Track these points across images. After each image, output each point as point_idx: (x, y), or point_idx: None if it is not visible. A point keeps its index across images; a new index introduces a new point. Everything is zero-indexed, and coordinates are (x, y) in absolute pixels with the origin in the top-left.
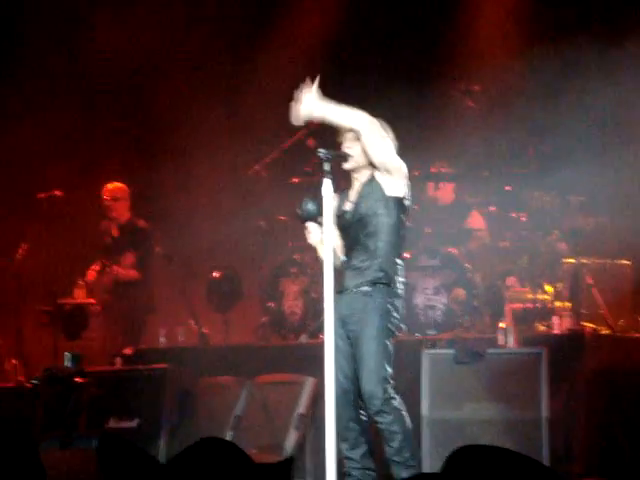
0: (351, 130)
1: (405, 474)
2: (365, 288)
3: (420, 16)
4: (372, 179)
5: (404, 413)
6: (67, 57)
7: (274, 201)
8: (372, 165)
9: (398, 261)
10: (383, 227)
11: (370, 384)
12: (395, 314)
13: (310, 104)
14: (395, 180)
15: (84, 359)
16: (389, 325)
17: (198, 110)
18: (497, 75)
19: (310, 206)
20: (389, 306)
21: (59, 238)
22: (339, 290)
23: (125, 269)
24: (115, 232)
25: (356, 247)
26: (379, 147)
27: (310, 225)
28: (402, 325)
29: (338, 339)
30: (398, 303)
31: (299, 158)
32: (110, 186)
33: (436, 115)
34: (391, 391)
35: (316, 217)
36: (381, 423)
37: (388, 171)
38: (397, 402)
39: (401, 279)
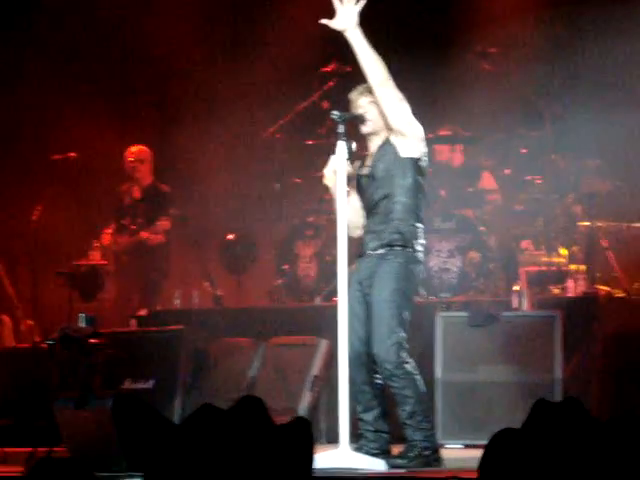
0: (367, 95)
1: (418, 437)
2: (381, 251)
3: None
4: (386, 141)
5: (417, 377)
6: (88, 21)
7: (289, 163)
8: (388, 128)
9: (417, 224)
10: (398, 189)
11: (382, 348)
12: (412, 279)
13: (349, 15)
14: (410, 141)
15: (99, 320)
16: (405, 289)
17: (213, 73)
18: (513, 37)
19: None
20: (406, 270)
21: (74, 200)
22: (359, 254)
23: (154, 235)
24: (137, 194)
25: (373, 210)
26: (394, 106)
27: (331, 159)
28: (421, 290)
29: (354, 302)
30: (416, 267)
31: (314, 120)
32: (134, 148)
33: (452, 78)
34: (405, 355)
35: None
36: (394, 387)
37: (402, 133)
38: (410, 366)
39: (421, 242)
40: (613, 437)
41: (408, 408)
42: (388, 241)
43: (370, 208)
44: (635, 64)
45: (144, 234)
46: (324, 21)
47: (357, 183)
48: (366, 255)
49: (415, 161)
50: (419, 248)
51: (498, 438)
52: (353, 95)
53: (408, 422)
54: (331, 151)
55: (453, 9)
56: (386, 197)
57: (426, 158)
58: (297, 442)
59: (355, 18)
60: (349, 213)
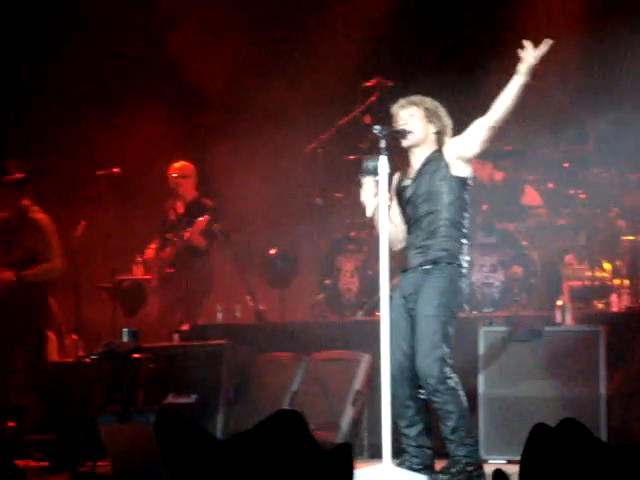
0: (409, 108)
1: (461, 452)
2: (427, 266)
3: None
4: (436, 157)
5: (461, 393)
6: (129, 37)
7: (331, 178)
8: (458, 152)
9: (463, 240)
10: (445, 206)
11: (425, 363)
12: (457, 294)
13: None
14: (465, 163)
15: (142, 335)
16: (450, 305)
17: (254, 89)
18: (556, 51)
19: (371, 164)
20: (451, 285)
21: (117, 216)
22: (403, 269)
23: (196, 235)
24: (181, 209)
25: (417, 225)
26: (484, 142)
27: (366, 180)
28: (465, 305)
29: (398, 317)
30: (462, 282)
31: (356, 135)
32: (177, 164)
33: (494, 93)
34: (448, 370)
35: (374, 174)
36: (436, 402)
37: (467, 160)
38: (453, 382)
39: (466, 258)
40: (615, 458)
41: (451, 423)
42: (434, 257)
43: (414, 223)
44: None
45: (186, 234)
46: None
47: (398, 196)
48: (410, 270)
49: (464, 179)
50: (464, 264)
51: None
52: (394, 108)
53: (451, 437)
54: (360, 171)
55: (494, 22)
56: (432, 213)
57: (472, 176)
58: (339, 469)
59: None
60: (390, 227)
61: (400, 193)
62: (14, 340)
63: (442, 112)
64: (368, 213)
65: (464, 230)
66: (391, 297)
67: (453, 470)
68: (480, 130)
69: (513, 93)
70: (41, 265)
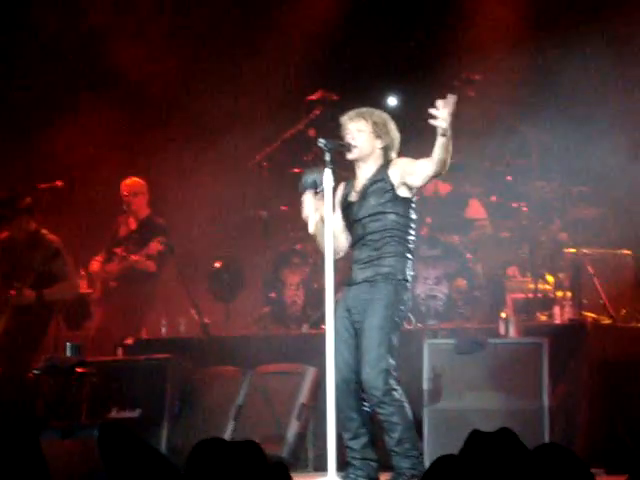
0: (357, 121)
1: (405, 465)
2: (372, 281)
3: (422, 4)
4: (382, 178)
5: (406, 405)
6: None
7: (275, 191)
8: (384, 157)
9: (408, 255)
10: (392, 224)
11: (371, 375)
12: (401, 306)
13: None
14: (409, 188)
15: (85, 349)
16: (394, 317)
17: (199, 100)
18: (499, 65)
19: (310, 177)
20: (396, 298)
21: (61, 229)
22: (347, 283)
23: (144, 259)
24: (133, 225)
25: (364, 241)
26: (429, 178)
27: (306, 195)
28: (411, 317)
29: (343, 329)
30: (405, 296)
31: (300, 148)
32: (128, 181)
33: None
34: (393, 382)
35: (314, 188)
36: (382, 414)
37: (413, 187)
38: (398, 394)
39: (411, 273)
40: (542, 467)
41: (396, 435)
42: (379, 272)
43: (360, 238)
44: (622, 92)
45: (134, 257)
46: (432, 122)
47: (343, 210)
48: (355, 284)
49: (409, 199)
50: (409, 279)
51: (437, 465)
52: (343, 119)
53: (396, 449)
54: (299, 185)
55: (437, 36)
56: (378, 232)
57: (417, 194)
58: None
59: (448, 119)
60: (342, 240)
61: (345, 208)
62: None
63: (391, 126)
64: (310, 229)
65: (409, 246)
66: (335, 310)
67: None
68: (425, 173)
69: (442, 149)
70: (60, 284)
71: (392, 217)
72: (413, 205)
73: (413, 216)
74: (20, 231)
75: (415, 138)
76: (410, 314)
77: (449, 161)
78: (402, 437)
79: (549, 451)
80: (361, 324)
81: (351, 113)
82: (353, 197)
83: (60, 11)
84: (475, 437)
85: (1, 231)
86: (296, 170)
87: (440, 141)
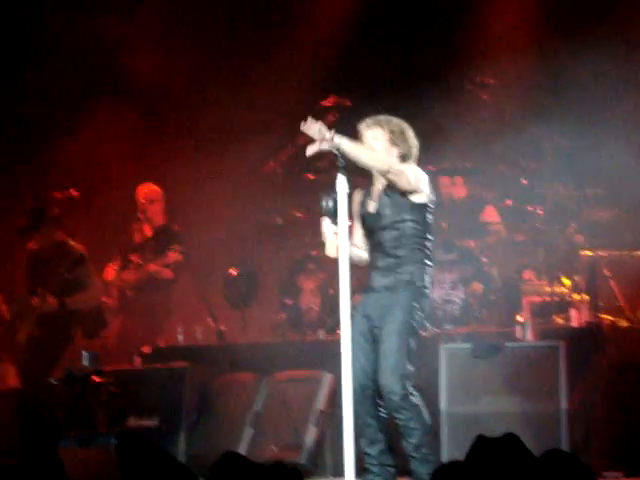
0: (373, 129)
1: (424, 470)
2: (391, 288)
3: (435, 9)
4: (393, 189)
5: (423, 409)
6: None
7: (290, 197)
8: (400, 161)
9: (426, 261)
10: (409, 231)
11: (388, 380)
12: (419, 312)
13: (320, 133)
14: (420, 194)
15: (102, 358)
16: (412, 322)
17: (215, 107)
18: (512, 68)
19: (325, 202)
20: (414, 304)
21: (76, 237)
22: (365, 290)
23: (161, 268)
24: (149, 233)
25: (382, 249)
26: (406, 183)
27: (324, 221)
28: (426, 323)
29: (360, 336)
30: (423, 302)
31: (315, 154)
32: (145, 189)
33: (451, 109)
34: (410, 388)
35: (331, 214)
36: (399, 419)
37: (417, 193)
38: (416, 399)
39: (429, 279)
40: (547, 472)
41: (414, 440)
42: (398, 280)
43: (378, 247)
44: (635, 93)
45: (152, 267)
46: (310, 151)
47: (361, 219)
48: (374, 290)
49: (424, 204)
50: (427, 285)
51: (443, 471)
52: (360, 126)
53: (414, 455)
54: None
55: (451, 41)
56: (397, 239)
57: (434, 198)
58: None
59: (327, 133)
60: (352, 250)
61: (363, 217)
62: None
63: (408, 133)
64: (331, 253)
65: (427, 252)
66: (352, 316)
67: None
68: (391, 182)
69: (360, 162)
70: (83, 293)
71: (410, 224)
72: (430, 210)
73: (430, 221)
74: (47, 240)
75: (429, 143)
76: (425, 321)
77: (382, 163)
78: (420, 442)
79: (554, 457)
80: (380, 330)
81: (368, 120)
82: (370, 206)
83: (76, 18)
84: (480, 442)
85: (29, 240)
86: (310, 176)
87: (350, 155)
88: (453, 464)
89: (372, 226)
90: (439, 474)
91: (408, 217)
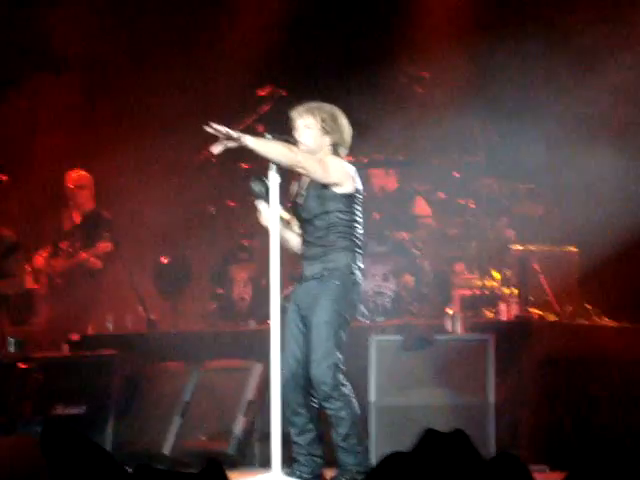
0: (305, 117)
1: (351, 460)
2: (321, 277)
3: (372, 2)
4: None
5: (353, 400)
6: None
7: (223, 186)
8: (334, 153)
9: (356, 250)
10: (335, 221)
11: (319, 369)
12: (350, 301)
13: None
14: (344, 185)
15: (30, 345)
16: (342, 312)
17: (148, 94)
18: (446, 61)
19: (256, 187)
20: (343, 293)
21: (5, 224)
22: (298, 280)
23: (93, 258)
24: (78, 219)
25: (311, 239)
26: (319, 173)
27: (260, 205)
28: (364, 310)
29: (292, 325)
30: (355, 290)
31: None
32: (74, 174)
33: (384, 101)
34: (341, 377)
35: (265, 198)
36: (329, 409)
37: (336, 184)
38: (347, 389)
39: (359, 265)
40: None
41: (343, 430)
42: (328, 268)
43: (307, 236)
44: (567, 89)
45: (83, 255)
46: (215, 149)
47: (293, 208)
48: (304, 280)
49: (351, 194)
50: (358, 273)
51: (386, 461)
52: (292, 114)
53: (342, 445)
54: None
55: (386, 33)
56: (321, 229)
57: (361, 188)
58: None
59: (234, 134)
60: (292, 239)
61: (293, 206)
62: None
63: (341, 120)
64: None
65: (356, 240)
66: (284, 306)
67: (343, 479)
68: (301, 172)
69: (266, 157)
70: (8, 280)
71: (335, 214)
72: (357, 200)
73: (358, 210)
74: None
75: (361, 134)
76: (363, 307)
77: (289, 159)
78: (349, 432)
79: (501, 460)
80: (309, 319)
81: (300, 108)
82: (299, 198)
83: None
84: (428, 436)
85: None
86: (244, 166)
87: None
88: (397, 455)
89: (300, 217)
90: (384, 464)
91: (333, 208)
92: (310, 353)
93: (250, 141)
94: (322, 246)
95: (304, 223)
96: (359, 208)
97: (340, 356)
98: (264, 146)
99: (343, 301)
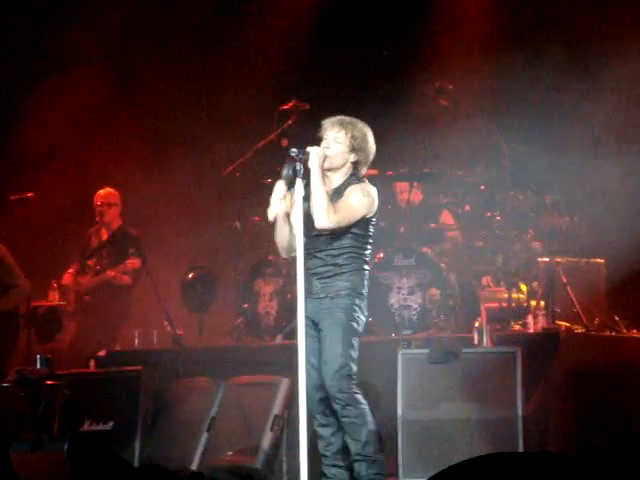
0: (337, 131)
1: (371, 470)
2: (331, 296)
3: (395, 15)
4: (342, 191)
5: (367, 407)
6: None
7: (248, 201)
8: (353, 170)
9: (365, 267)
10: (350, 242)
11: (336, 379)
12: (360, 315)
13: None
14: (368, 213)
15: (58, 361)
16: (354, 325)
17: (173, 111)
18: (471, 74)
19: (289, 171)
20: (355, 308)
21: (32, 241)
22: (308, 295)
23: (120, 274)
24: (105, 236)
25: (322, 256)
26: (346, 223)
27: (278, 183)
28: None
29: (309, 339)
30: (363, 304)
31: (273, 158)
32: (102, 192)
33: (411, 114)
34: (355, 386)
35: (289, 182)
36: (347, 417)
37: None
38: (360, 397)
39: (367, 284)
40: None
41: (362, 438)
42: (337, 288)
43: (317, 251)
44: (592, 101)
45: (110, 272)
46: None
47: (306, 214)
48: (314, 296)
49: (368, 219)
50: (365, 290)
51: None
52: (324, 123)
53: (362, 453)
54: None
55: (412, 46)
56: (337, 248)
57: (376, 210)
58: None
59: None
60: (287, 235)
61: (307, 214)
62: None
63: (369, 139)
64: (269, 216)
65: (366, 259)
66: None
67: None
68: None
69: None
70: (11, 292)
71: (350, 235)
72: (373, 222)
73: (371, 232)
74: None
75: (387, 148)
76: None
77: (324, 216)
78: (368, 440)
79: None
80: (323, 333)
81: (334, 120)
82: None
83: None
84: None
85: None
86: (269, 180)
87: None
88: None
89: (313, 230)
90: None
91: (350, 230)
92: (324, 366)
93: (315, 167)
94: (335, 265)
95: (315, 236)
96: (372, 229)
97: (354, 366)
98: (319, 185)
99: (354, 315)
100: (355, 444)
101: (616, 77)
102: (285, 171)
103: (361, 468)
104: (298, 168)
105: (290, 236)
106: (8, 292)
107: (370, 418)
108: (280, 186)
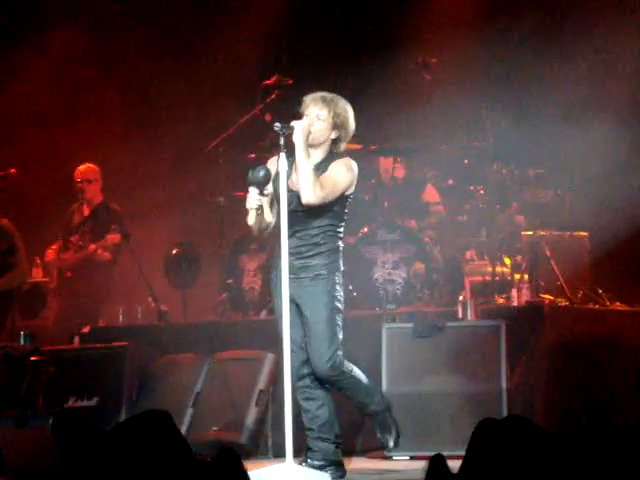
0: (320, 107)
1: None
2: (310, 275)
3: None
4: (323, 167)
5: (355, 370)
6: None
7: (232, 177)
8: (333, 147)
9: (340, 244)
10: (329, 220)
11: (327, 368)
12: (340, 291)
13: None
14: (348, 189)
15: (42, 338)
16: (335, 301)
17: (154, 85)
18: (455, 48)
19: (260, 173)
20: (335, 285)
21: (15, 218)
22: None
23: (103, 250)
24: (87, 213)
25: (300, 234)
26: (332, 197)
27: (251, 189)
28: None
29: (291, 313)
30: (341, 280)
31: (256, 133)
32: (82, 168)
33: (394, 89)
34: (340, 356)
35: (261, 184)
36: (342, 388)
37: None
38: (348, 366)
39: (342, 259)
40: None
41: (363, 394)
42: (320, 265)
43: (296, 229)
44: (574, 75)
45: (92, 247)
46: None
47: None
48: (296, 276)
49: (348, 196)
50: (342, 266)
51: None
52: (307, 99)
53: (370, 402)
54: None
55: (393, 20)
56: (316, 226)
57: (355, 187)
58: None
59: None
60: (267, 214)
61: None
62: None
63: (350, 116)
64: (249, 221)
65: (340, 236)
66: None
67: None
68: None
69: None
70: (11, 272)
71: (330, 213)
72: (349, 200)
73: (347, 210)
74: None
75: (370, 123)
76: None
77: (310, 188)
78: (370, 392)
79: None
80: (307, 314)
81: (316, 96)
82: (292, 183)
83: None
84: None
85: None
86: (252, 156)
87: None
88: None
89: (291, 205)
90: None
91: (330, 208)
92: (312, 347)
93: (299, 141)
94: (315, 244)
95: (293, 214)
96: (349, 208)
97: (340, 336)
98: (304, 157)
99: (335, 291)
100: (361, 397)
101: (608, 47)
102: (251, 173)
103: (367, 404)
104: (282, 142)
105: (259, 217)
106: (6, 272)
107: (363, 376)
108: (252, 191)
